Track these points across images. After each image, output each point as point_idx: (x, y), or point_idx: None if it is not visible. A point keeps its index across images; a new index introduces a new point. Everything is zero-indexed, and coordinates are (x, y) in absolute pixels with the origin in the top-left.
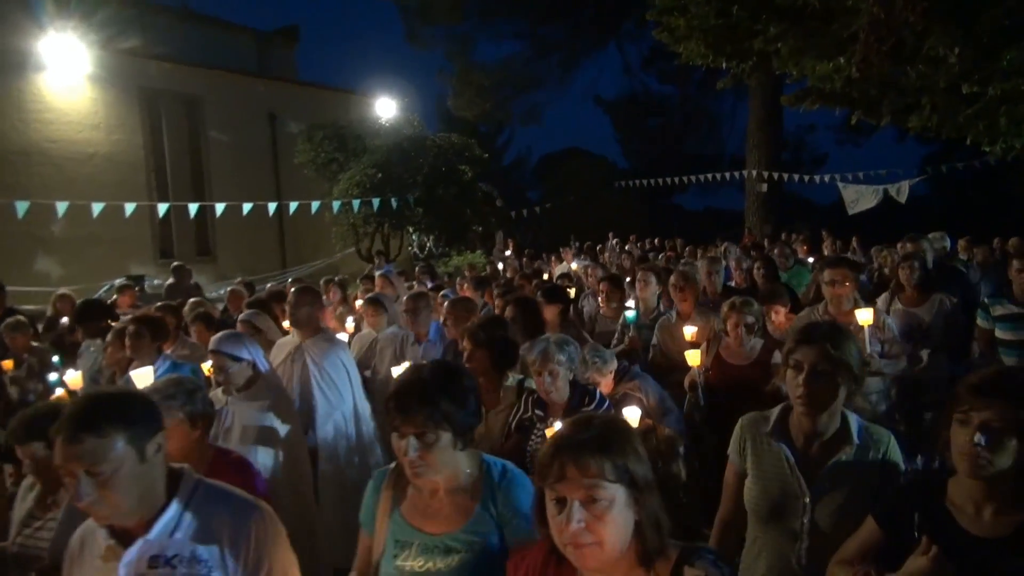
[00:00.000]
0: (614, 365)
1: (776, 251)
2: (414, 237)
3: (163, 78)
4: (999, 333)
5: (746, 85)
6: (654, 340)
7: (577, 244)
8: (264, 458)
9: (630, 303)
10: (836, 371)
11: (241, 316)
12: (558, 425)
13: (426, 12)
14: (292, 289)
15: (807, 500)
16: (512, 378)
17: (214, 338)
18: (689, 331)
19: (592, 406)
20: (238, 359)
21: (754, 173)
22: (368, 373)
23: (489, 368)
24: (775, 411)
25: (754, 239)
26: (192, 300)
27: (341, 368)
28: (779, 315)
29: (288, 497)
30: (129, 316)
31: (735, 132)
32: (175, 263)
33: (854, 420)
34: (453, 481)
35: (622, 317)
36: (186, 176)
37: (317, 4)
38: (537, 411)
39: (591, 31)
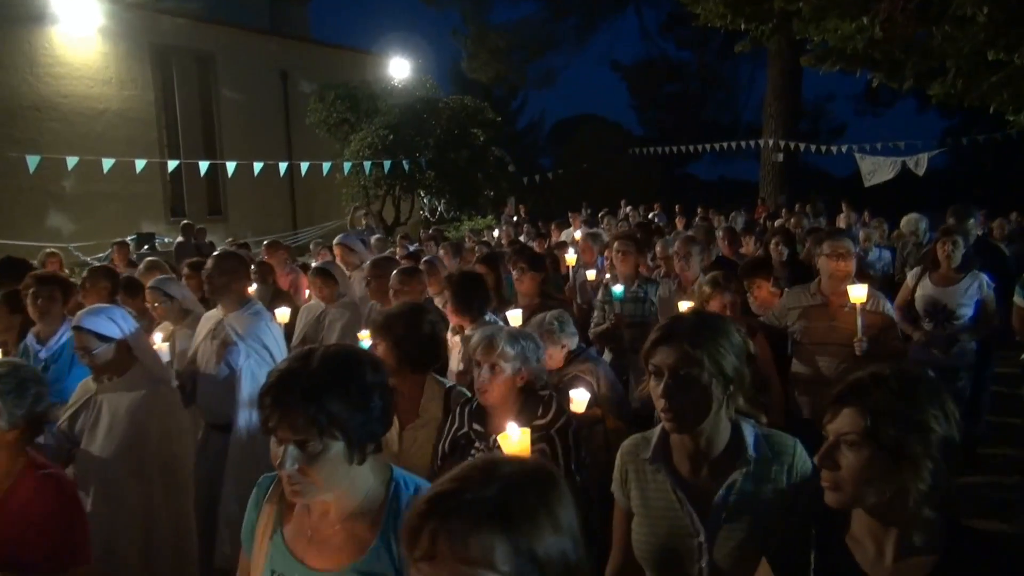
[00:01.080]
0: (572, 340)
1: (792, 221)
2: (425, 201)
3: (175, 34)
4: None
5: (765, 52)
6: (638, 314)
7: (589, 210)
8: (128, 463)
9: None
10: (703, 375)
11: (151, 282)
12: (513, 432)
13: None
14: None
15: (702, 539)
16: (438, 383)
17: (79, 312)
18: (685, 306)
19: (547, 418)
20: (105, 338)
21: (770, 142)
22: None
23: (398, 368)
24: (656, 431)
25: (768, 210)
26: (148, 260)
27: (271, 344)
28: (761, 290)
29: (163, 511)
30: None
31: (752, 101)
32: (184, 222)
33: (749, 430)
34: (346, 504)
35: (601, 292)
36: (197, 134)
37: None
38: (475, 425)
39: None
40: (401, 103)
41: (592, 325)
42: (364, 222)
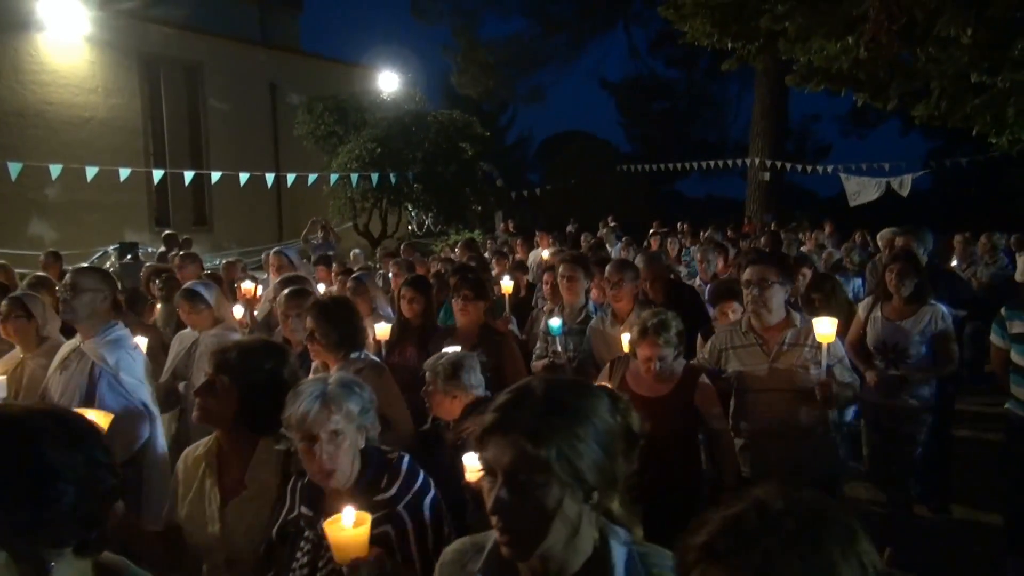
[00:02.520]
0: (473, 390)
1: (762, 241)
2: (412, 214)
3: (163, 43)
4: (1015, 356)
5: (752, 72)
6: (585, 349)
7: (576, 226)
8: None
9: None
10: (550, 482)
11: (9, 296)
12: (346, 518)
13: None
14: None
15: None
16: (274, 443)
17: None
18: (627, 339)
19: (392, 490)
20: None
21: (757, 161)
22: (182, 387)
23: (230, 424)
24: (490, 536)
25: (755, 228)
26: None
27: (138, 379)
28: (736, 315)
29: None
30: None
31: (740, 120)
32: (167, 231)
33: (618, 550)
34: None
35: (543, 324)
36: (184, 144)
37: None
38: (303, 508)
39: (599, 11)
40: (389, 116)
41: (533, 357)
42: (320, 233)
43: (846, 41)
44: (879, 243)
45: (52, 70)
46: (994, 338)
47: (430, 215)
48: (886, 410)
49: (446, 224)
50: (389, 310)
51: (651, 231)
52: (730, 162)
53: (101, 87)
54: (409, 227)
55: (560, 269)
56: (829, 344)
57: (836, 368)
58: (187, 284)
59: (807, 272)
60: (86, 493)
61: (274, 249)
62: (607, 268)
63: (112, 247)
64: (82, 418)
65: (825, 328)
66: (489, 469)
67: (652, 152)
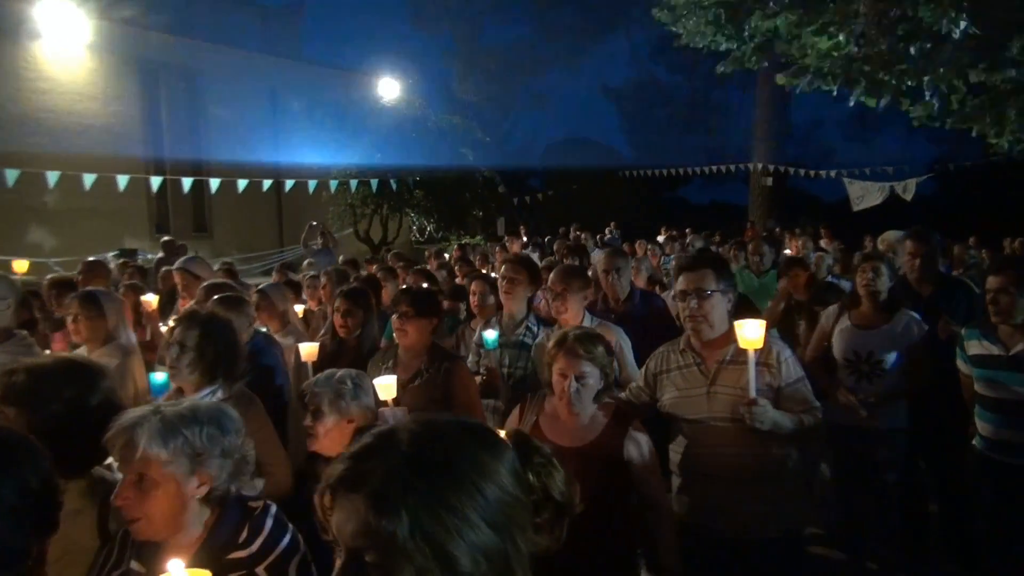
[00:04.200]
0: (364, 410)
1: (750, 249)
2: (414, 220)
3: (163, 50)
4: (976, 385)
5: (754, 77)
6: (521, 366)
7: (578, 232)
8: None
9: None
10: (400, 565)
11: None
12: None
13: None
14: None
15: None
16: (91, 484)
17: None
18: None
19: (253, 547)
20: None
21: (759, 166)
22: None
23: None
24: None
25: (755, 234)
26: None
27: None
28: None
29: None
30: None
31: (742, 125)
32: (165, 238)
33: None
34: None
35: (476, 336)
36: (184, 150)
37: None
38: (133, 563)
39: (600, 16)
40: (389, 122)
41: None
42: (319, 239)
43: (838, 39)
44: (879, 246)
45: (51, 77)
46: (959, 363)
47: (431, 221)
48: (857, 433)
49: (447, 230)
50: (300, 328)
51: (660, 237)
52: (732, 167)
53: (101, 94)
54: (412, 233)
55: (501, 269)
56: (760, 354)
57: (791, 389)
58: (88, 289)
59: (801, 274)
60: (13, 527)
61: (177, 263)
62: (551, 276)
63: (111, 254)
64: (16, 435)
65: (751, 332)
66: (335, 539)
67: (654, 158)
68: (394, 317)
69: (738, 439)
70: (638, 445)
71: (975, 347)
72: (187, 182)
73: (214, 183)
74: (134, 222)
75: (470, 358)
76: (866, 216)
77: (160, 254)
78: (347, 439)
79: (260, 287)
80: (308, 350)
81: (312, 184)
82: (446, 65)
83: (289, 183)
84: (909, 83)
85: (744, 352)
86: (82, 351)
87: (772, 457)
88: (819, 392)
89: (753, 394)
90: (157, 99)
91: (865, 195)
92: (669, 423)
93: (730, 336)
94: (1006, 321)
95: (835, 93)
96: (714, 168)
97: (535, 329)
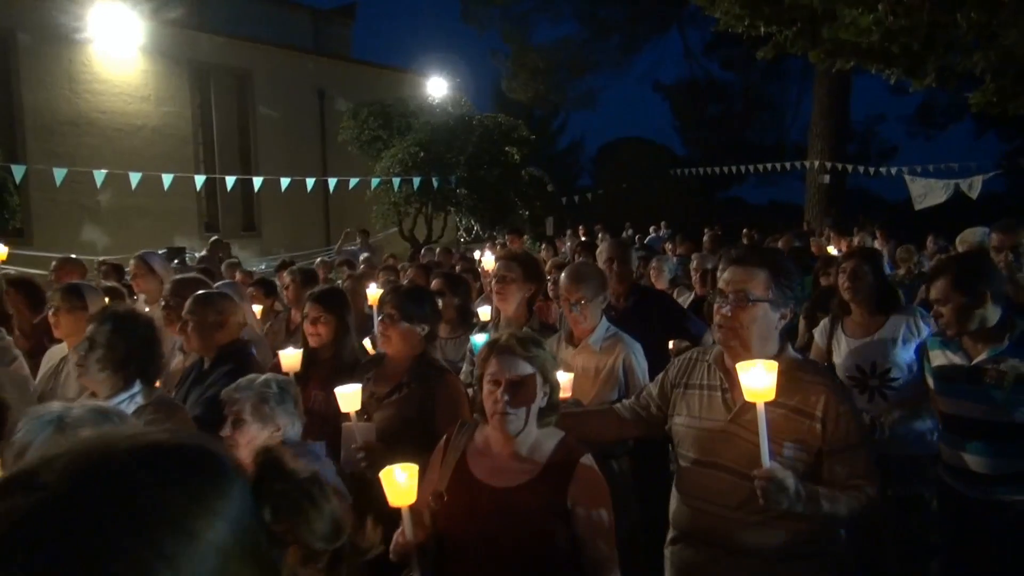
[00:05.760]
0: (290, 419)
1: (855, 242)
2: (460, 220)
3: (214, 52)
4: (939, 401)
5: (812, 72)
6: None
7: (630, 231)
8: None
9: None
10: None
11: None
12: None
13: None
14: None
15: None
16: None
17: None
18: (563, 378)
19: None
20: None
21: (816, 164)
22: None
23: None
24: None
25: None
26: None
27: None
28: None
29: None
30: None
31: (799, 122)
32: (213, 237)
33: None
34: None
35: (469, 343)
36: (234, 151)
37: None
38: None
39: (653, 13)
40: (433, 120)
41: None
42: (357, 240)
43: (878, 11)
44: (959, 247)
45: (105, 79)
46: (926, 376)
47: (473, 220)
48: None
49: (490, 228)
50: (259, 332)
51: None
52: (788, 165)
53: (153, 96)
54: (459, 232)
55: (495, 267)
56: (795, 395)
57: (844, 457)
58: (73, 282)
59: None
60: None
61: (137, 253)
62: (562, 280)
63: (159, 251)
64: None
65: (755, 380)
66: None
67: (708, 156)
68: (378, 320)
69: (750, 503)
70: (587, 485)
71: (938, 357)
72: (230, 180)
73: (257, 182)
74: (184, 221)
75: (464, 368)
76: (931, 215)
77: (205, 252)
78: None
79: (216, 286)
80: (290, 359)
81: (353, 182)
82: (495, 64)
83: (332, 182)
84: (958, 61)
85: (796, 388)
86: (63, 348)
87: (793, 534)
88: None
89: (767, 462)
90: (208, 99)
91: (928, 193)
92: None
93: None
94: (958, 333)
95: (873, 71)
96: (769, 166)
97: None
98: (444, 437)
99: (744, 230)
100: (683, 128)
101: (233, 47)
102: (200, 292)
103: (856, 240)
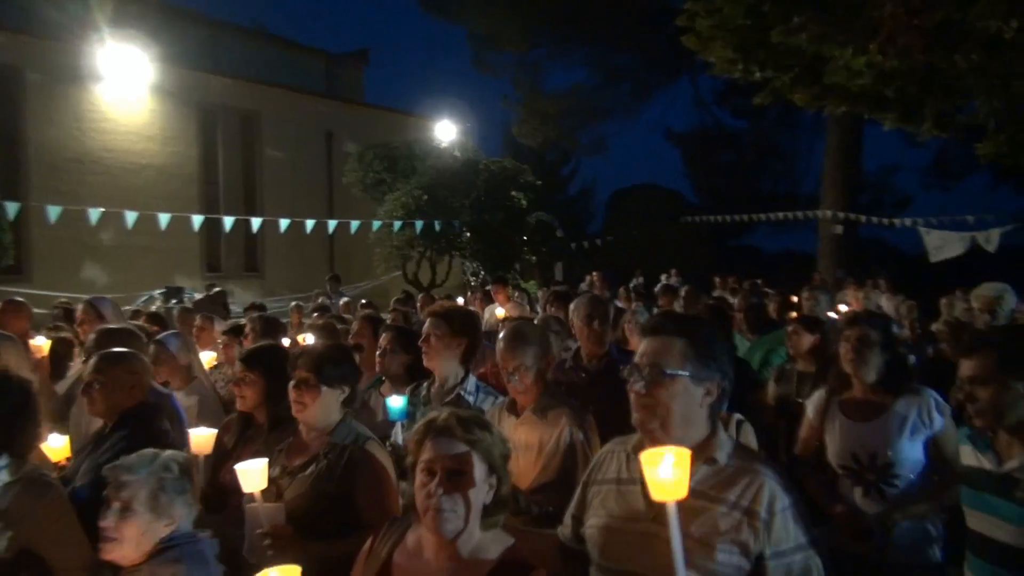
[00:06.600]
0: (175, 513)
1: (859, 296)
2: (467, 264)
3: (223, 93)
4: (966, 516)
5: (824, 121)
6: None
7: (641, 279)
8: None
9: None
10: None
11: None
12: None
13: (495, 38)
14: None
15: None
16: None
17: None
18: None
19: None
20: None
21: (828, 214)
22: None
23: None
24: None
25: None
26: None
27: None
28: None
29: None
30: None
31: (812, 171)
32: (211, 284)
33: None
34: None
35: (382, 407)
36: (239, 191)
37: (390, 28)
38: None
39: (664, 61)
40: (438, 164)
41: None
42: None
43: (872, 54)
44: (973, 303)
45: (112, 118)
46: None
47: (476, 264)
48: (869, 570)
49: (494, 274)
50: (207, 384)
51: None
52: (800, 214)
53: (159, 135)
54: (464, 276)
55: (427, 323)
56: (698, 504)
57: (781, 564)
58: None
59: (804, 336)
60: None
61: (87, 298)
62: (498, 344)
63: (158, 291)
64: None
65: (664, 473)
66: None
67: (719, 203)
68: (291, 386)
69: None
70: None
71: (967, 455)
72: (228, 221)
73: (255, 222)
74: (185, 261)
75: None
76: (947, 269)
77: (201, 294)
78: (151, 547)
79: (159, 336)
80: (201, 441)
81: (354, 225)
82: (506, 108)
83: (332, 224)
84: (957, 103)
85: (731, 480)
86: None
87: None
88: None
89: (678, 569)
90: (214, 139)
91: (944, 245)
92: None
93: (709, 446)
94: (991, 424)
95: (866, 118)
96: (780, 215)
97: (469, 398)
98: (370, 539)
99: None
100: (694, 175)
101: (241, 88)
102: (108, 351)
103: (863, 294)
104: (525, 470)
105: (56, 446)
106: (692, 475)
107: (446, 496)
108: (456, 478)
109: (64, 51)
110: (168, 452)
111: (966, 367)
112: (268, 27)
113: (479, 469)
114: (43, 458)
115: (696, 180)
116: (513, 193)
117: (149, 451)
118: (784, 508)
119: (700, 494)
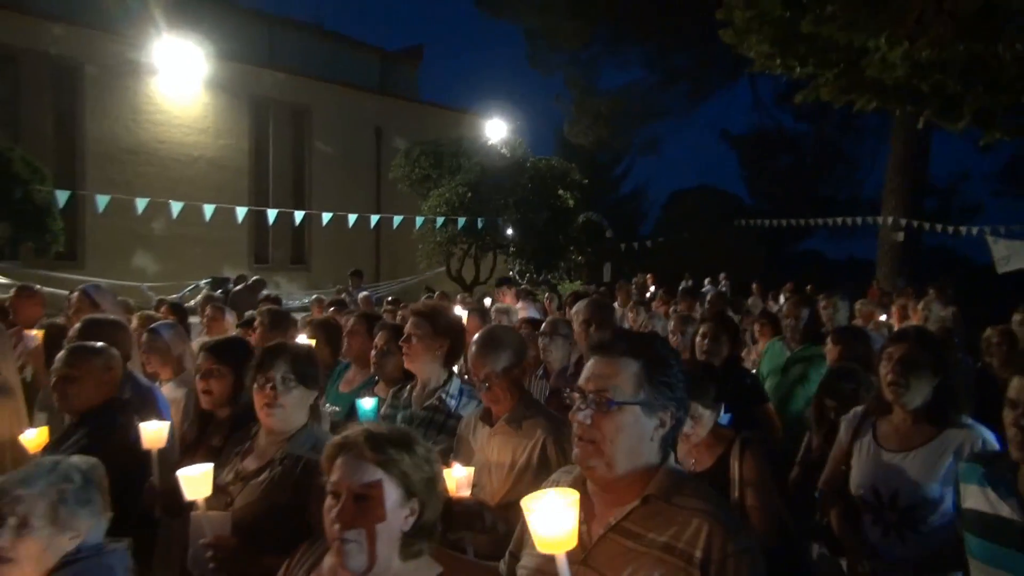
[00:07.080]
0: (93, 520)
1: (787, 307)
2: (513, 263)
3: (275, 87)
4: (973, 568)
5: (889, 125)
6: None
7: (691, 281)
8: None
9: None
10: None
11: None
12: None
13: (551, 36)
14: None
15: None
16: None
17: None
18: (459, 474)
19: None
20: None
21: (889, 220)
22: None
23: None
24: None
25: (875, 295)
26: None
27: None
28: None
29: None
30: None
31: (875, 176)
32: (255, 276)
33: None
34: None
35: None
36: (288, 184)
37: (445, 26)
38: None
39: (723, 62)
40: (484, 161)
41: None
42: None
43: (905, 44)
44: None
45: (166, 110)
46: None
47: (519, 262)
48: None
49: (537, 273)
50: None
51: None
52: (859, 220)
53: (212, 128)
54: (511, 274)
55: (409, 322)
56: (625, 546)
57: None
58: None
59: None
60: None
61: (82, 286)
62: (469, 351)
63: (204, 281)
64: None
65: (547, 522)
66: None
67: (776, 207)
68: (267, 388)
69: None
70: None
71: (975, 496)
72: (271, 213)
73: (298, 215)
74: (233, 252)
75: None
76: (1017, 280)
77: (239, 286)
78: (53, 564)
79: (153, 325)
80: (152, 434)
81: (397, 220)
82: (559, 107)
83: (374, 218)
84: (1002, 100)
85: (672, 519)
86: None
87: None
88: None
89: None
90: (265, 133)
91: (1012, 255)
92: None
93: (643, 482)
94: None
95: (897, 114)
96: (839, 220)
97: (452, 401)
98: (285, 562)
99: (787, 287)
100: (751, 178)
101: (294, 83)
102: (77, 345)
103: (920, 304)
104: (496, 484)
105: (31, 437)
106: (627, 513)
107: (348, 528)
108: (362, 504)
109: (122, 44)
110: (71, 459)
111: (1017, 388)
112: (324, 23)
113: (392, 495)
114: (21, 450)
115: (752, 183)
116: (560, 192)
117: (48, 459)
118: (727, 555)
119: (633, 535)
